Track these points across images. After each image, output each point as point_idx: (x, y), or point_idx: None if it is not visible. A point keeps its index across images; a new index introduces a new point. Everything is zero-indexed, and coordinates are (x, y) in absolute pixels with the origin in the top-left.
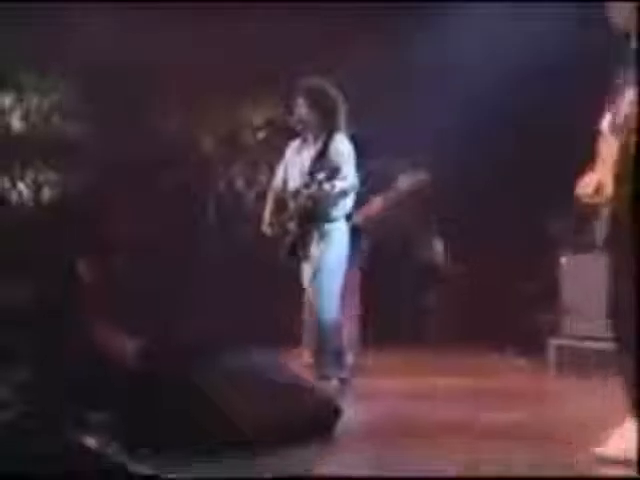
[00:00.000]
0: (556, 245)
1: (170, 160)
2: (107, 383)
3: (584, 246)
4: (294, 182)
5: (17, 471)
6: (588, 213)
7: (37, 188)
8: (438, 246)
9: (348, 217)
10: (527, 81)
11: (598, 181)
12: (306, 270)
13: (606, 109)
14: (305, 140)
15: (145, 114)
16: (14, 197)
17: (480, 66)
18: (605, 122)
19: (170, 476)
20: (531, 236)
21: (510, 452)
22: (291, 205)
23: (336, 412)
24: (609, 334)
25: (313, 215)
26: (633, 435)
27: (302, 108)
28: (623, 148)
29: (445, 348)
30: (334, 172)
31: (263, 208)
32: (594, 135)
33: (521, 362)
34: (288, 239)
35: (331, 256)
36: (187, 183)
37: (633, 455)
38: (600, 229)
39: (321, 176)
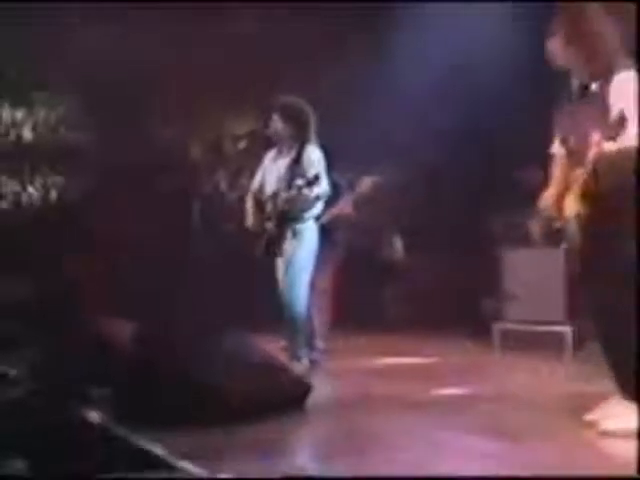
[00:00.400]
0: (500, 241)
1: (164, 165)
2: (108, 363)
3: (523, 242)
4: (270, 186)
5: (24, 443)
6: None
7: (45, 191)
8: (397, 243)
9: (317, 218)
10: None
11: (554, 197)
12: (280, 264)
13: (555, 134)
14: (281, 150)
15: (140, 125)
16: (24, 198)
17: (430, 90)
18: (555, 147)
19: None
20: (479, 233)
21: (457, 422)
22: (269, 207)
23: (307, 388)
24: (544, 318)
25: (289, 216)
26: (627, 409)
27: (277, 123)
28: (592, 173)
29: (404, 333)
30: (314, 179)
31: (243, 208)
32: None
33: (469, 344)
34: (265, 237)
35: (302, 252)
36: (179, 185)
37: (633, 426)
38: (536, 228)
39: (300, 182)
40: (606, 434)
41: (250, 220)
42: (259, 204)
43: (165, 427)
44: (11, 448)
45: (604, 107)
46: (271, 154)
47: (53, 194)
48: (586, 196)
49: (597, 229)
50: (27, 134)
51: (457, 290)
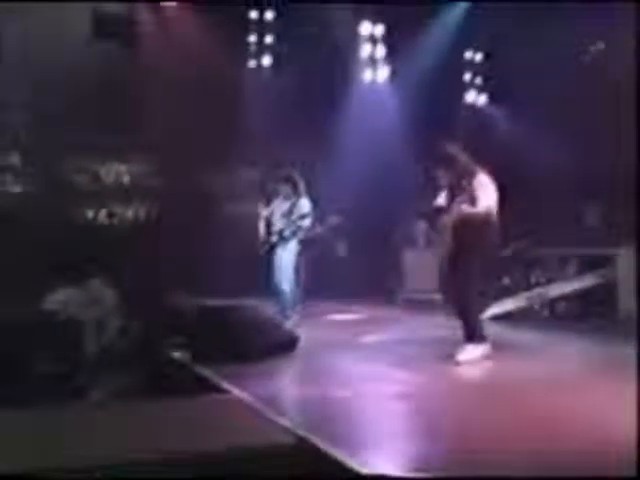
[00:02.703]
0: (401, 246)
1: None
2: (182, 323)
3: (413, 246)
4: (276, 217)
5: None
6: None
7: (135, 212)
8: (342, 247)
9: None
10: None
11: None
12: (277, 260)
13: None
14: (285, 198)
15: (189, 173)
16: (126, 217)
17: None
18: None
19: None
20: (389, 241)
21: (376, 357)
22: (274, 229)
23: (296, 338)
24: (425, 290)
25: (284, 235)
26: (479, 348)
27: (282, 186)
28: (457, 221)
29: (347, 300)
30: (303, 216)
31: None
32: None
33: (383, 306)
34: (269, 244)
35: (288, 255)
36: (207, 210)
37: (480, 358)
38: (420, 239)
39: (297, 217)
40: (459, 363)
41: (262, 234)
42: (268, 226)
43: (217, 362)
44: (125, 374)
45: (470, 193)
46: (280, 199)
47: (140, 214)
48: (453, 230)
49: (456, 247)
50: (126, 179)
51: (376, 274)
